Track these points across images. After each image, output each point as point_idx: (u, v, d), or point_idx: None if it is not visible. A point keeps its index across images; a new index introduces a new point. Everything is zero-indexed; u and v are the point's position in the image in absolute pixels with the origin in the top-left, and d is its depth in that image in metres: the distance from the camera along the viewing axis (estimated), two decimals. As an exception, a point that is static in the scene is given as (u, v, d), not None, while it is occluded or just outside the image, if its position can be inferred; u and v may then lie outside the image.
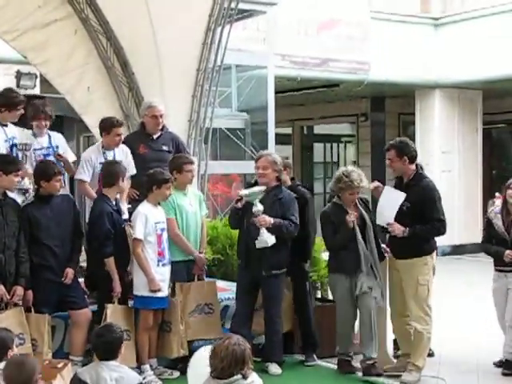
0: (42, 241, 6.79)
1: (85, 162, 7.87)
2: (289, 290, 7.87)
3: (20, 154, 7.40)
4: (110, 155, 7.85)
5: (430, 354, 7.82)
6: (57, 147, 7.76)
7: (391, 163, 7.34)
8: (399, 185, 7.40)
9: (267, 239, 7.34)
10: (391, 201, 7.28)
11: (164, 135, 8.37)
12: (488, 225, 7.92)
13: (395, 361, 7.62)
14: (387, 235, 7.55)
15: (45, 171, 6.93)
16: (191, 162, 7.74)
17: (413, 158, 7.32)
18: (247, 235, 7.46)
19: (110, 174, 7.28)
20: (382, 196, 7.42)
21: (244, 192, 7.55)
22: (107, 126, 7.86)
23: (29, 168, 7.44)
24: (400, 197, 7.20)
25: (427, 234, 7.21)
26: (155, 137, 8.31)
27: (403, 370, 7.27)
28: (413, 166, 7.32)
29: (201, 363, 5.18)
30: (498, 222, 7.77)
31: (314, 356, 7.86)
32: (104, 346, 4.97)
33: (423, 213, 7.16)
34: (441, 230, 7.25)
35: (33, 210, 6.85)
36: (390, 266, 7.54)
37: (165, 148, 8.30)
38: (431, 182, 7.41)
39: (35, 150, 7.63)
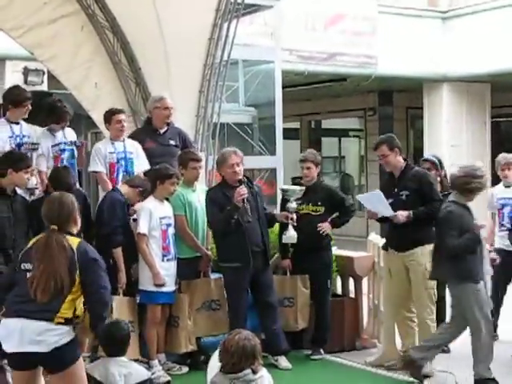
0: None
1: (95, 153, 7.95)
2: (306, 288, 7.87)
3: (28, 154, 7.41)
4: (119, 146, 7.88)
5: (445, 351, 7.82)
6: (70, 142, 7.86)
7: (385, 158, 7.41)
8: (391, 180, 7.47)
9: (295, 235, 7.53)
10: (375, 201, 7.34)
11: (171, 130, 8.39)
12: None
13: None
14: (386, 229, 7.63)
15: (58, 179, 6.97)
16: (197, 160, 7.72)
17: (401, 150, 7.48)
18: (247, 234, 7.36)
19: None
20: (366, 203, 7.55)
21: (284, 187, 7.74)
22: (107, 116, 7.97)
23: (42, 166, 7.50)
24: (375, 193, 7.34)
25: (430, 214, 7.18)
26: (162, 131, 8.33)
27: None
28: (401, 159, 7.44)
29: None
30: None
31: (321, 350, 7.87)
32: (113, 344, 4.98)
33: (423, 196, 7.23)
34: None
35: (42, 206, 6.85)
36: (388, 261, 7.53)
37: (172, 142, 8.31)
38: (423, 169, 7.58)
39: (53, 145, 7.70)
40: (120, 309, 6.84)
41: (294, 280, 7.88)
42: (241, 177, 7.45)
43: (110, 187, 7.62)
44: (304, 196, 7.81)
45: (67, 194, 5.11)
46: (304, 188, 7.67)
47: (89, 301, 4.76)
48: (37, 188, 7.36)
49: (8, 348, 4.68)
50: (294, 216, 7.54)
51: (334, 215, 7.98)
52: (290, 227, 7.53)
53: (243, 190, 7.27)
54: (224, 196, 7.36)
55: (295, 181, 8.15)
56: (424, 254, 7.24)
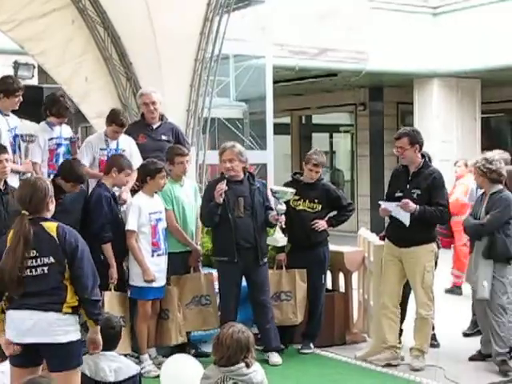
0: None
1: (85, 146, 7.95)
2: (304, 282, 7.89)
3: (24, 145, 7.38)
4: (112, 144, 7.89)
5: (435, 345, 7.87)
6: (66, 138, 7.85)
7: (403, 151, 7.28)
8: (405, 174, 7.40)
9: (280, 239, 7.53)
10: (397, 211, 7.25)
11: (164, 125, 8.39)
12: None
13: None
14: (386, 224, 7.63)
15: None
16: (183, 154, 7.70)
17: (422, 147, 7.36)
18: (235, 230, 7.38)
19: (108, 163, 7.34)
20: (389, 207, 7.36)
21: (274, 188, 7.65)
22: (110, 118, 7.90)
23: (37, 158, 7.49)
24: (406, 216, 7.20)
25: (433, 216, 7.21)
26: (155, 127, 8.33)
27: (394, 363, 7.36)
28: (420, 156, 7.35)
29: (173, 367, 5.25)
30: None
31: (311, 345, 7.91)
32: (104, 339, 4.98)
33: (431, 198, 7.21)
34: (444, 215, 7.30)
35: None
36: (386, 253, 7.55)
37: (164, 138, 8.30)
38: (438, 170, 7.45)
39: (50, 139, 7.69)
40: (111, 304, 6.85)
41: (291, 274, 7.88)
42: (233, 173, 7.45)
43: (95, 172, 7.66)
44: (301, 193, 7.83)
45: (43, 179, 5.09)
46: (294, 191, 7.62)
47: (77, 286, 4.75)
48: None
49: (18, 339, 4.66)
50: (283, 218, 7.52)
51: (332, 214, 8.00)
52: (278, 229, 7.53)
53: (220, 186, 7.30)
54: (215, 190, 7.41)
55: (295, 176, 8.10)
56: (424, 253, 7.26)
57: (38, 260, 4.68)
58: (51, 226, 4.77)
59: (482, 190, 7.63)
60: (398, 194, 7.28)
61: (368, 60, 16.91)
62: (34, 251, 4.67)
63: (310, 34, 16.26)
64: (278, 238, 7.54)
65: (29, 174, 7.27)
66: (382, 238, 7.76)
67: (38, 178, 5.14)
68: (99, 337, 4.83)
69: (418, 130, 7.53)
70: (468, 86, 18.43)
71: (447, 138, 18.20)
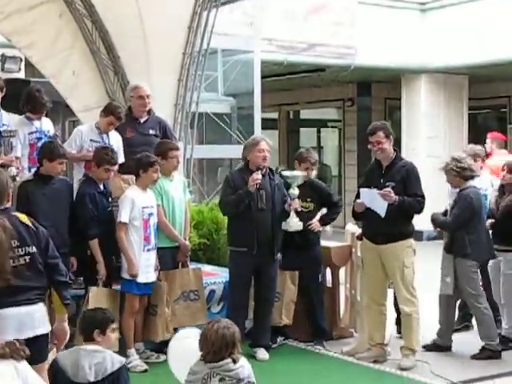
0: (36, 219, 6.70)
1: (74, 135, 7.97)
2: (294, 285, 7.88)
3: (6, 141, 7.35)
4: (104, 137, 7.88)
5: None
6: (48, 131, 7.81)
7: (382, 145, 7.28)
8: (378, 168, 7.40)
9: (293, 224, 7.51)
10: (374, 199, 7.22)
11: (151, 119, 8.37)
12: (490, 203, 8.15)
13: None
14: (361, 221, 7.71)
15: (51, 151, 6.95)
16: (176, 148, 7.71)
17: (392, 140, 7.41)
18: (256, 222, 7.39)
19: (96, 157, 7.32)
20: (364, 197, 7.35)
21: (286, 173, 7.67)
22: (109, 109, 7.90)
23: (16, 153, 7.45)
24: (377, 195, 7.19)
25: (412, 206, 7.21)
26: (142, 121, 8.31)
27: (381, 359, 7.39)
28: (392, 149, 7.39)
29: (180, 348, 5.21)
30: (492, 200, 8.01)
31: (324, 342, 7.93)
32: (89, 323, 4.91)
33: (406, 190, 7.21)
34: (422, 205, 7.29)
35: (31, 187, 6.85)
36: (365, 252, 7.57)
37: (152, 132, 8.29)
38: (411, 162, 7.51)
39: (30, 133, 7.66)
40: (97, 299, 6.83)
41: (283, 275, 7.85)
42: (266, 164, 7.50)
43: (78, 155, 7.71)
44: None
45: (1, 171, 5.09)
46: (305, 173, 7.64)
47: (54, 271, 4.76)
48: (17, 175, 7.31)
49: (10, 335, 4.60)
50: (297, 202, 7.52)
51: (323, 211, 7.99)
52: (293, 214, 7.51)
53: (257, 176, 7.34)
54: (242, 179, 7.45)
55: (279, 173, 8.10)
56: (402, 249, 7.26)
57: (20, 250, 4.67)
58: (24, 217, 4.79)
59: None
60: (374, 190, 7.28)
61: (356, 55, 16.91)
62: (15, 241, 4.66)
63: (299, 29, 16.24)
64: (292, 222, 7.51)
65: (14, 170, 7.25)
66: (360, 238, 7.76)
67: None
68: (67, 326, 4.83)
69: (387, 123, 7.63)
70: (455, 82, 18.47)
71: (434, 133, 18.25)
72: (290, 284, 7.88)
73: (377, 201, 7.17)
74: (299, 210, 7.55)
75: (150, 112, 8.37)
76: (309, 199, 7.86)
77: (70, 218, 7.08)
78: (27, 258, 4.68)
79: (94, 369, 4.73)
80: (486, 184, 8.48)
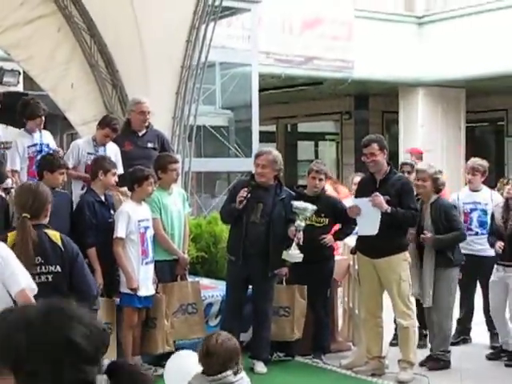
0: None
1: (72, 150, 7.99)
2: (304, 298, 7.83)
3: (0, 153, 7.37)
4: (100, 150, 7.89)
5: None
6: (48, 144, 7.83)
7: (375, 157, 7.27)
8: (372, 182, 7.40)
9: (295, 256, 7.37)
10: (368, 214, 7.21)
11: (149, 132, 8.38)
12: (492, 218, 8.03)
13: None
14: (355, 236, 7.67)
15: (51, 162, 6.96)
16: (176, 161, 7.72)
17: (387, 153, 7.42)
18: (246, 234, 7.41)
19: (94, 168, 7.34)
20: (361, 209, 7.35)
21: (296, 204, 7.41)
22: (104, 122, 7.91)
23: (15, 166, 7.46)
24: (370, 205, 7.17)
25: (405, 218, 7.22)
26: (141, 134, 8.33)
27: (379, 372, 7.38)
28: (386, 163, 7.39)
29: (176, 367, 5.20)
30: (498, 216, 7.86)
31: (323, 356, 7.89)
32: None
33: (401, 204, 7.21)
34: (416, 218, 7.31)
35: None
36: (360, 266, 7.56)
37: (150, 145, 8.30)
38: (406, 176, 7.68)
39: (29, 146, 7.67)
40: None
41: (291, 290, 7.81)
42: (263, 179, 7.46)
43: (80, 174, 7.71)
44: None
45: (43, 185, 5.08)
46: (315, 208, 7.43)
47: (79, 295, 4.71)
48: (12, 187, 7.32)
49: None
50: (301, 235, 7.34)
51: (337, 227, 7.93)
52: (294, 245, 7.35)
53: (242, 193, 7.33)
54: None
55: (297, 190, 8.07)
56: (398, 262, 7.25)
57: (43, 267, 4.64)
58: (55, 234, 4.74)
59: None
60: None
61: (353, 69, 16.97)
62: (39, 258, 4.64)
63: (296, 42, 16.32)
64: (293, 254, 7.35)
65: (9, 182, 7.25)
66: (354, 252, 7.75)
67: (39, 183, 5.12)
68: None
69: (382, 137, 7.63)
70: (453, 96, 18.53)
71: (432, 146, 18.25)
72: (300, 298, 7.81)
73: (370, 213, 7.15)
74: (301, 243, 7.36)
75: (148, 125, 8.39)
76: (323, 214, 7.76)
77: (70, 229, 7.07)
78: (49, 276, 4.66)
79: None
80: (486, 199, 8.45)
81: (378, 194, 7.12)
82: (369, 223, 7.18)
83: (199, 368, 4.60)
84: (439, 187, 7.64)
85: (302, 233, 7.35)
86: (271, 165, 7.49)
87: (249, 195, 7.34)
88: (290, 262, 7.48)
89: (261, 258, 7.42)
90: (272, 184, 7.54)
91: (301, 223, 7.33)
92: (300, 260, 7.41)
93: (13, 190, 7.28)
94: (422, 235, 7.45)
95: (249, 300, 7.70)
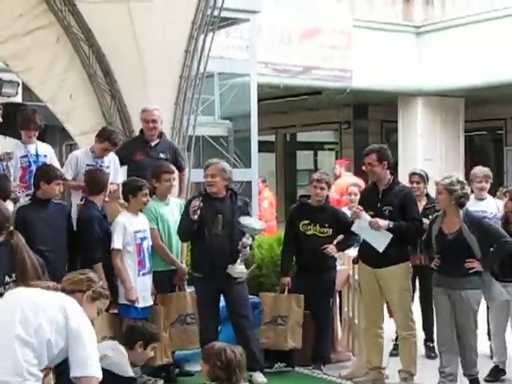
0: (34, 244, 6.26)
1: (70, 161, 7.96)
2: (300, 307, 7.79)
3: (4, 164, 7.35)
4: (99, 161, 7.88)
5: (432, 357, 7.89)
6: (45, 156, 7.80)
7: (372, 167, 7.25)
8: (375, 192, 7.37)
9: (242, 271, 7.31)
10: (370, 232, 7.19)
11: (162, 143, 8.36)
12: None
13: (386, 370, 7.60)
14: (358, 245, 7.63)
15: (47, 173, 6.92)
16: (170, 172, 7.67)
17: (390, 164, 7.36)
18: (210, 247, 7.24)
19: (95, 181, 7.29)
20: (362, 233, 7.35)
21: (244, 222, 7.35)
22: (103, 135, 7.89)
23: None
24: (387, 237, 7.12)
25: (409, 230, 7.18)
26: (153, 144, 8.29)
27: (379, 383, 7.33)
28: (389, 173, 7.33)
29: None
30: None
31: (322, 367, 7.83)
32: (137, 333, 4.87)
33: (404, 214, 7.18)
34: (420, 229, 7.25)
35: (29, 212, 6.81)
36: (362, 275, 7.54)
37: (162, 156, 8.26)
38: (409, 187, 7.59)
39: (21, 157, 7.65)
40: (101, 324, 6.71)
41: (288, 299, 7.78)
42: (214, 189, 7.32)
43: (78, 183, 7.70)
44: (311, 217, 7.75)
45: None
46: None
47: None
48: (18, 200, 7.28)
49: None
50: (247, 251, 7.35)
51: (339, 238, 7.89)
52: (239, 261, 7.29)
53: (194, 203, 7.15)
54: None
55: (302, 199, 8.05)
56: (400, 273, 7.21)
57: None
58: None
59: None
60: (370, 213, 7.21)
61: (352, 78, 17.00)
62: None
63: (295, 52, 16.35)
64: (236, 268, 7.26)
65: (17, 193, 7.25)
66: (356, 262, 7.73)
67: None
68: None
69: (387, 148, 7.49)
70: (452, 105, 18.55)
71: (431, 156, 18.29)
72: (296, 307, 7.77)
73: (372, 233, 7.15)
74: (244, 259, 7.34)
75: (161, 135, 8.37)
76: (327, 224, 7.73)
77: (72, 242, 7.04)
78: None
79: None
80: (492, 207, 8.24)
81: (374, 219, 7.08)
82: (378, 239, 7.16)
83: None
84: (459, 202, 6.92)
85: (248, 249, 7.35)
86: (220, 173, 7.33)
87: (201, 204, 7.17)
88: (236, 276, 7.32)
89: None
90: (226, 194, 7.42)
91: (247, 241, 7.29)
92: (243, 276, 7.35)
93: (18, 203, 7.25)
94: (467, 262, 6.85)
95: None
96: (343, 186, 11.31)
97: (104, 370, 3.86)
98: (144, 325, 5.22)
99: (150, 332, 5.20)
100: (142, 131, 8.44)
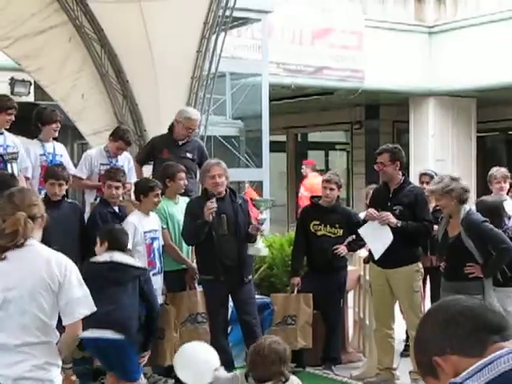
0: (46, 243, 6.60)
1: (84, 160, 8.00)
2: (309, 306, 7.80)
3: (9, 165, 7.34)
4: (113, 160, 7.90)
5: None
6: (61, 156, 7.83)
7: (384, 167, 7.26)
8: (385, 191, 7.37)
9: (262, 249, 7.34)
10: (376, 232, 7.19)
11: (190, 143, 8.33)
12: None
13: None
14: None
15: (53, 173, 6.97)
16: (184, 171, 7.69)
17: (403, 165, 7.35)
18: (219, 249, 7.16)
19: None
20: (367, 237, 7.35)
21: (256, 198, 7.49)
22: (117, 134, 7.91)
23: (27, 174, 7.46)
24: (376, 225, 7.14)
25: (418, 230, 7.18)
26: (181, 143, 8.27)
27: None
28: (400, 174, 7.32)
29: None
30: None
31: (333, 367, 7.83)
32: None
33: (414, 214, 7.17)
34: (429, 229, 7.23)
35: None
36: (373, 276, 7.53)
37: (189, 155, 8.23)
38: (420, 187, 7.57)
39: (41, 155, 7.68)
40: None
41: (297, 298, 7.78)
42: (222, 189, 7.26)
43: (92, 183, 7.74)
44: (322, 217, 7.76)
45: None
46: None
47: None
48: None
49: None
50: (264, 227, 7.39)
51: (350, 238, 7.88)
52: (259, 238, 7.29)
53: (212, 205, 7.04)
54: (200, 208, 7.11)
55: (313, 200, 8.06)
56: (410, 273, 7.21)
57: None
58: None
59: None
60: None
61: (364, 79, 16.97)
62: None
63: (307, 52, 16.33)
64: (259, 247, 7.29)
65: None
66: (367, 262, 7.72)
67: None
68: None
69: (400, 148, 7.46)
70: (463, 105, 18.50)
71: (442, 156, 18.24)
72: (305, 306, 7.78)
73: (378, 232, 7.14)
74: (264, 235, 7.37)
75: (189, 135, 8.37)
76: (337, 225, 7.75)
77: (82, 241, 7.06)
78: None
79: None
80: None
81: (385, 213, 7.09)
82: (379, 243, 7.16)
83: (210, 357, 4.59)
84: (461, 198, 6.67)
85: (264, 225, 7.38)
86: (225, 173, 7.33)
87: (216, 206, 7.10)
88: (257, 255, 7.42)
89: (236, 268, 7.22)
90: (226, 194, 7.35)
91: (263, 216, 7.29)
92: (266, 254, 7.43)
93: None
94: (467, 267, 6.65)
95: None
96: (310, 185, 13.53)
97: None
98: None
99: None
100: (170, 129, 8.37)
